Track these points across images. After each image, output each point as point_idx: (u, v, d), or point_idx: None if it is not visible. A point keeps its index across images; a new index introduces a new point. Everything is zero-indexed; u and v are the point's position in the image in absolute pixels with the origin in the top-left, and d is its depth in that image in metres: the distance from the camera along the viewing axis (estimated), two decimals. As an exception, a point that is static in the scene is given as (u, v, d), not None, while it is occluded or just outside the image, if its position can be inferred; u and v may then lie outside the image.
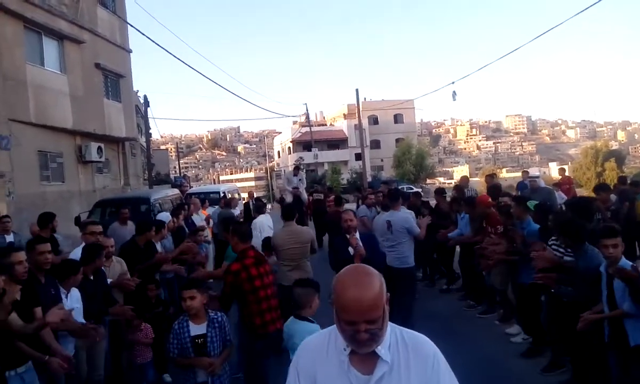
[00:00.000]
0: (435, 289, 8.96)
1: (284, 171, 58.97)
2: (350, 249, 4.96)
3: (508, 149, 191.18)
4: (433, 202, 10.00)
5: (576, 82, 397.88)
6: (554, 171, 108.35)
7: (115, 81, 18.68)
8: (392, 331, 1.70)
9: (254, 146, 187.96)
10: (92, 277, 4.61)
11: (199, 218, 9.48)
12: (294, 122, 60.75)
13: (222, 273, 5.05)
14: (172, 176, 40.69)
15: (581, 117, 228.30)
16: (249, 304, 4.19)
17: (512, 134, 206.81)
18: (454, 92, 20.26)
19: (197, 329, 3.73)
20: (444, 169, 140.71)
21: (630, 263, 3.85)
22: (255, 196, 15.38)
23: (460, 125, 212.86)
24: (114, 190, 18.74)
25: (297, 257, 5.68)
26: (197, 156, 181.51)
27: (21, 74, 13.72)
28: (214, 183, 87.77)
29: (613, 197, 8.51)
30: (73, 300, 4.17)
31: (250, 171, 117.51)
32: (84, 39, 16.36)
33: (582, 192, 29.34)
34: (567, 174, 16.90)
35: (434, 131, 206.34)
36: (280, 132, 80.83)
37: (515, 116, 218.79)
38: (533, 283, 5.01)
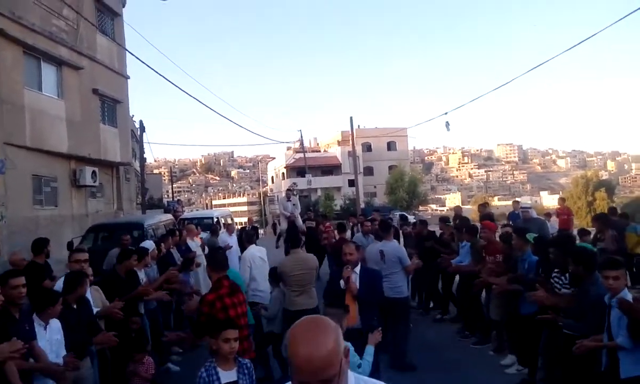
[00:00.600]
0: (429, 317, 8.95)
1: (277, 196, 59.04)
2: (342, 282, 4.82)
3: (499, 177, 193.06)
4: (434, 229, 10.07)
5: (567, 113, 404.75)
6: (545, 199, 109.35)
7: (112, 106, 18.84)
8: None
9: (248, 171, 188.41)
10: (75, 307, 4.44)
11: (194, 244, 9.47)
12: (288, 148, 61.13)
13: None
14: (165, 201, 40.61)
15: (572, 147, 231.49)
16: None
17: (503, 163, 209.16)
18: (447, 123, 20.59)
19: (227, 376, 3.39)
20: (437, 196, 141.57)
21: (631, 295, 3.86)
22: (253, 222, 15.17)
23: (453, 153, 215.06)
24: (106, 214, 18.70)
25: (303, 283, 5.76)
26: (190, 180, 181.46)
27: (19, 99, 13.81)
28: (207, 208, 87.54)
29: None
30: (53, 332, 3.97)
31: (244, 195, 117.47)
32: (83, 65, 16.55)
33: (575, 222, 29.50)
34: (565, 204, 16.68)
35: (426, 158, 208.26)
36: (274, 158, 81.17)
37: (506, 145, 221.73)
38: (534, 314, 5.00)
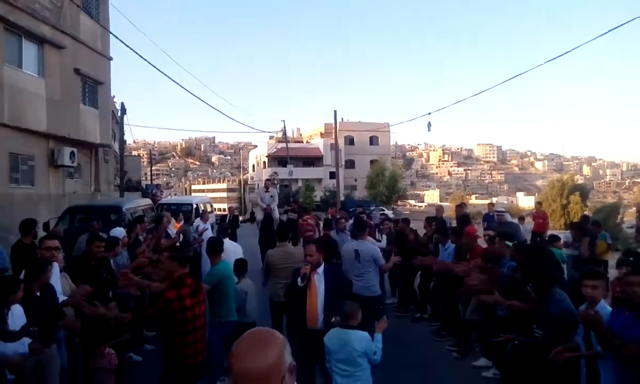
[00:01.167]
0: (408, 317, 8.88)
1: (258, 185, 58.97)
2: (299, 280, 4.59)
3: (478, 176, 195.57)
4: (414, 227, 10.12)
5: (546, 117, 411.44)
6: (521, 200, 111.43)
7: (93, 87, 18.60)
8: None
9: (229, 157, 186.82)
10: (38, 294, 4.39)
11: (172, 232, 9.55)
12: (271, 137, 60.97)
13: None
14: (143, 184, 40.21)
15: (549, 151, 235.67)
16: (174, 335, 4.05)
17: (482, 162, 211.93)
18: (429, 124, 20.92)
19: None
20: (416, 192, 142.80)
21: (610, 308, 3.91)
22: (234, 212, 15.02)
23: (433, 150, 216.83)
24: (83, 196, 18.54)
25: (289, 276, 5.96)
26: (170, 163, 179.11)
27: (-3, 75, 13.60)
28: (186, 192, 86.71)
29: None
30: (15, 318, 3.97)
31: (224, 182, 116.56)
32: (65, 44, 16.30)
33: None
34: (542, 208, 16.76)
35: (407, 154, 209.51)
36: (256, 146, 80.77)
37: (486, 144, 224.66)
38: (510, 317, 5.10)
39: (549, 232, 13.13)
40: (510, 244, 6.05)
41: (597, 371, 3.89)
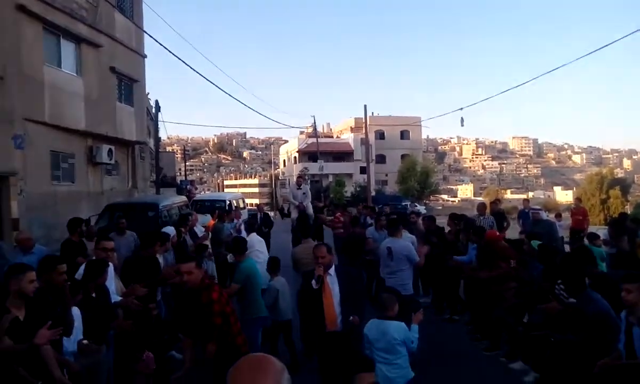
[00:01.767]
0: (441, 317, 8.64)
1: (289, 180, 59.23)
2: (313, 282, 4.58)
3: (513, 170, 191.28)
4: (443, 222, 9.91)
5: (583, 108, 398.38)
6: (558, 195, 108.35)
7: (129, 85, 18.98)
8: None
9: (260, 152, 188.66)
10: (94, 295, 4.49)
11: (199, 231, 9.60)
12: (301, 133, 61.20)
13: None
14: (178, 179, 40.96)
15: (588, 143, 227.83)
16: (230, 325, 4.19)
17: (517, 156, 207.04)
18: (462, 119, 20.51)
19: None
20: (449, 186, 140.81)
21: None
22: (264, 210, 15.01)
23: (467, 144, 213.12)
24: (121, 192, 18.97)
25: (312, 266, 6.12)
26: (203, 159, 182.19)
27: (38, 75, 13.98)
28: (218, 188, 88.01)
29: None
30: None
31: (255, 177, 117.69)
32: (101, 42, 16.67)
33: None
34: (581, 205, 16.28)
35: (439, 148, 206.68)
36: (286, 141, 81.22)
37: (521, 138, 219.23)
38: (543, 323, 4.96)
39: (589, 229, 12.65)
40: (535, 246, 5.84)
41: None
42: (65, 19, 14.95)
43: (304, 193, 13.20)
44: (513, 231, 11.81)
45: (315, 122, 46.92)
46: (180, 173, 56.65)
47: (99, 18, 16.65)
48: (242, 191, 64.03)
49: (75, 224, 7.07)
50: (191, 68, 13.65)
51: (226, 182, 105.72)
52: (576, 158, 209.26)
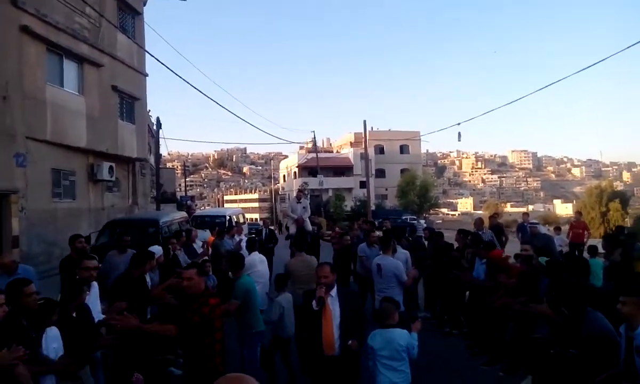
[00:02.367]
0: (441, 330, 8.62)
1: (289, 195, 59.33)
2: (314, 303, 4.38)
3: (513, 183, 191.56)
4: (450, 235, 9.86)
5: (582, 122, 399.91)
6: (558, 208, 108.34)
7: (130, 103, 19.20)
8: None
9: (260, 167, 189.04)
10: (74, 315, 4.41)
11: (198, 247, 9.67)
12: (301, 148, 61.44)
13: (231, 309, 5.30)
14: (178, 195, 41.07)
15: (587, 156, 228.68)
16: (214, 343, 4.06)
17: (517, 169, 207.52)
18: (459, 134, 20.66)
19: None
20: (448, 200, 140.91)
21: None
22: (269, 226, 14.78)
23: (466, 157, 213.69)
24: (122, 208, 19.07)
25: (309, 281, 6.17)
26: (203, 174, 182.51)
27: (41, 94, 14.19)
28: (218, 203, 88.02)
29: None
30: (50, 339, 4.00)
31: (255, 192, 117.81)
32: (103, 62, 16.92)
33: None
34: (581, 218, 16.27)
35: (439, 162, 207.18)
36: (286, 156, 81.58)
37: (521, 151, 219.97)
38: (547, 337, 4.94)
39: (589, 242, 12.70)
40: (542, 262, 5.85)
41: None
42: (68, 39, 15.20)
43: (303, 207, 13.15)
44: (512, 245, 11.85)
45: (315, 138, 47.17)
46: (180, 189, 56.80)
47: (101, 38, 16.92)
48: (242, 206, 64.10)
49: (74, 241, 7.07)
50: (191, 85, 13.84)
51: (226, 198, 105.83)
52: (575, 171, 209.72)
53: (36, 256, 13.36)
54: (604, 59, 12.35)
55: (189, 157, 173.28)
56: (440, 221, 55.06)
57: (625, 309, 3.72)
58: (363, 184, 42.98)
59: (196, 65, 18.15)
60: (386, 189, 60.25)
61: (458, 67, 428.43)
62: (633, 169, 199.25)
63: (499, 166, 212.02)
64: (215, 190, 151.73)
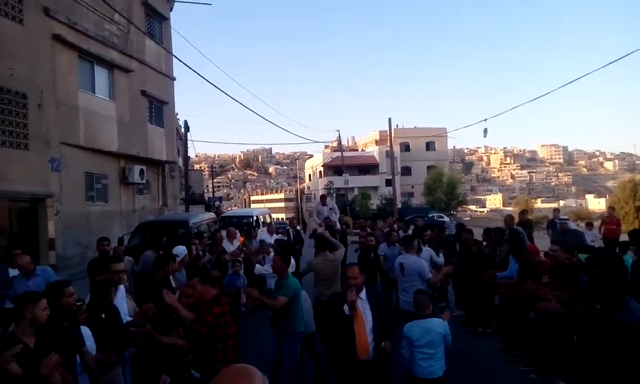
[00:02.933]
0: (473, 332, 8.37)
1: (314, 194, 59.47)
2: (346, 308, 4.26)
3: (543, 179, 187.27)
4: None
5: (614, 114, 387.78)
6: (591, 203, 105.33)
7: (159, 107, 19.61)
8: None
9: (285, 167, 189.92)
10: (103, 315, 4.47)
11: (232, 247, 9.74)
12: (326, 147, 61.54)
13: (275, 305, 5.32)
14: (206, 196, 41.65)
15: (620, 149, 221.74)
16: (216, 352, 3.94)
17: (547, 164, 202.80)
18: (485, 130, 20.29)
19: None
20: (477, 197, 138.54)
21: None
22: (296, 227, 14.69)
23: (494, 153, 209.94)
24: (152, 210, 19.49)
25: (331, 278, 6.68)
26: (230, 175, 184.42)
27: (73, 100, 14.64)
28: (245, 204, 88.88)
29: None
30: (84, 338, 4.08)
31: (281, 192, 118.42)
32: (132, 67, 17.33)
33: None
34: (615, 213, 15.84)
35: (466, 158, 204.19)
36: (311, 155, 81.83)
37: (551, 145, 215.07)
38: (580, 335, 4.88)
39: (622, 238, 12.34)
40: (582, 259, 5.73)
41: None
42: (99, 46, 15.63)
43: (330, 208, 13.02)
44: (544, 242, 11.62)
45: (340, 136, 47.19)
46: (207, 190, 57.62)
47: (130, 44, 17.33)
48: (269, 206, 64.56)
49: (99, 244, 7.30)
50: (217, 87, 14.03)
51: (253, 198, 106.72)
52: (608, 165, 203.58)
53: (71, 257, 13.81)
54: (636, 50, 11.97)
55: (216, 158, 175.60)
56: (469, 218, 54.22)
57: None
58: (389, 182, 42.74)
59: (221, 66, 18.43)
60: (412, 187, 59.78)
61: (485, 62, 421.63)
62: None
63: (529, 161, 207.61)
64: (242, 191, 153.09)
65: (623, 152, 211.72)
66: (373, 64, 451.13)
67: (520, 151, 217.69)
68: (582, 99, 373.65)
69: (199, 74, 12.98)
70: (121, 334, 4.51)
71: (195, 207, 26.57)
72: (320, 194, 14.46)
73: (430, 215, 36.14)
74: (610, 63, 13.50)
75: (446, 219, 36.22)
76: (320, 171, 62.25)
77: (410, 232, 10.31)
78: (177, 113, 27.98)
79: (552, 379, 6.11)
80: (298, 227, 15.60)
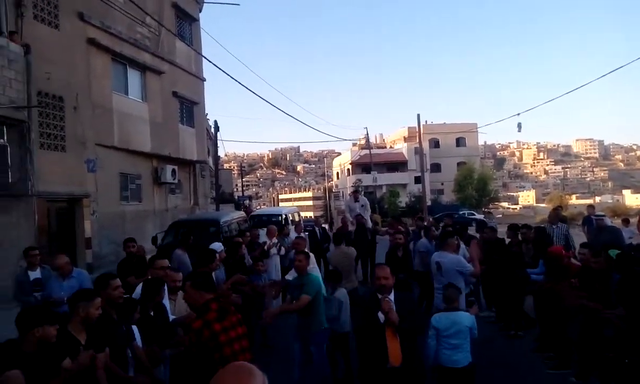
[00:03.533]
0: (505, 332, 8.16)
1: (342, 192, 59.39)
2: (380, 315, 4.03)
3: (578, 174, 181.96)
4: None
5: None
6: (628, 198, 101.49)
7: (189, 108, 19.93)
8: None
9: (313, 165, 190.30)
10: (152, 313, 4.49)
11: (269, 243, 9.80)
12: (354, 144, 61.41)
13: (297, 307, 5.31)
14: (235, 195, 42.18)
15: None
16: (214, 364, 3.60)
17: (582, 159, 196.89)
18: (519, 124, 19.82)
19: None
20: (509, 193, 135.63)
21: None
22: (322, 224, 14.62)
23: (527, 148, 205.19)
24: (184, 209, 19.83)
25: (348, 270, 7.13)
26: (258, 174, 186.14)
27: (107, 103, 15.01)
28: (273, 202, 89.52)
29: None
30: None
31: (309, 190, 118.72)
32: (164, 69, 17.66)
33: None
34: None
35: (498, 153, 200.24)
36: (339, 153, 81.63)
37: (586, 140, 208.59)
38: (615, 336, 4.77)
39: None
40: (613, 255, 5.52)
41: None
42: (131, 49, 15.98)
43: (362, 205, 12.91)
44: (577, 240, 11.27)
45: (367, 134, 46.97)
46: (237, 189, 58.30)
47: (161, 46, 17.66)
48: (297, 204, 64.89)
49: (125, 245, 7.45)
50: (245, 87, 14.22)
51: (281, 196, 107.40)
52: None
53: (106, 256, 14.17)
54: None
55: (245, 157, 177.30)
56: (501, 215, 53.22)
57: None
58: (418, 180, 42.29)
59: (249, 65, 18.56)
60: (442, 184, 59.09)
61: (516, 55, 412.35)
62: None
63: (563, 156, 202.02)
64: (270, 189, 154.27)
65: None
66: (402, 60, 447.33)
67: (554, 145, 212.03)
68: (619, 92, 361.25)
69: (228, 74, 13.12)
70: (168, 333, 4.53)
71: (226, 206, 26.94)
72: (352, 191, 14.39)
73: (461, 212, 35.65)
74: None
75: (477, 216, 35.64)
76: (348, 169, 62.16)
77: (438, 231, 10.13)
78: (207, 113, 28.40)
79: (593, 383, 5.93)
80: (324, 225, 15.54)
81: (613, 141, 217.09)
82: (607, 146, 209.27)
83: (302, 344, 5.57)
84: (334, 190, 69.26)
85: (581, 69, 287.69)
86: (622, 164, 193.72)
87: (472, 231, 10.98)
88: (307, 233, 12.61)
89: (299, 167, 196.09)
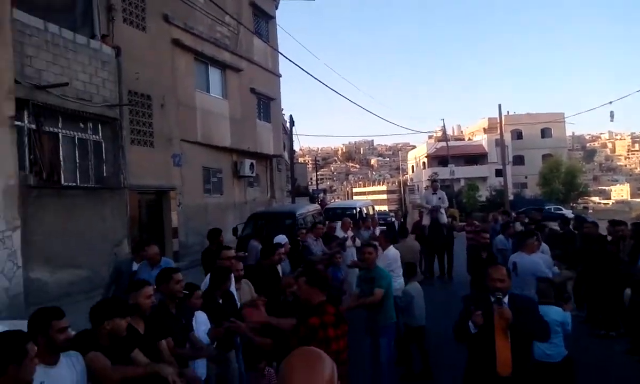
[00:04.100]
0: (597, 333, 7.68)
1: (417, 186, 58.29)
2: (471, 325, 3.65)
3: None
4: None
5: None
6: None
7: (266, 104, 20.46)
8: None
9: (387, 159, 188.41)
10: (220, 301, 4.60)
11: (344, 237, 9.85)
12: (430, 137, 60.12)
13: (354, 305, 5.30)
14: (310, 189, 42.78)
15: None
16: None
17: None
18: (612, 113, 18.36)
19: None
20: (600, 187, 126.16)
21: None
22: (401, 218, 14.48)
23: (621, 139, 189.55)
24: (262, 202, 20.43)
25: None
26: (332, 167, 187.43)
27: (191, 101, 15.76)
28: (347, 196, 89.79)
29: None
30: (199, 324, 4.26)
31: (383, 184, 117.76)
32: (242, 67, 18.24)
33: None
34: None
35: (588, 145, 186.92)
36: (414, 146, 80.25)
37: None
38: None
39: None
40: None
41: None
42: (212, 48, 16.65)
43: (439, 198, 12.62)
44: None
45: (444, 126, 45.74)
46: (311, 182, 59.10)
47: (239, 44, 18.25)
48: (371, 197, 64.57)
49: (214, 235, 7.60)
50: (321, 82, 14.36)
51: (355, 190, 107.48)
52: None
53: (191, 245, 14.92)
54: None
55: (319, 151, 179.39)
56: (591, 211, 49.64)
57: None
58: (499, 173, 40.46)
59: (324, 59, 18.69)
60: (526, 177, 56.16)
61: (608, 39, 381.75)
62: None
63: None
64: (344, 183, 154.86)
65: None
66: (481, 48, 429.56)
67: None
68: None
69: (303, 69, 13.37)
70: (237, 318, 4.60)
71: (301, 199, 27.40)
72: (430, 182, 14.03)
73: (547, 207, 33.67)
74: None
75: (564, 211, 33.54)
76: (423, 162, 60.88)
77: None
78: (283, 108, 28.99)
79: None
80: (402, 219, 15.36)
81: None
82: None
83: (373, 338, 5.58)
84: (408, 184, 68.15)
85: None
86: None
87: (557, 227, 10.32)
88: (384, 227, 12.53)
89: (373, 161, 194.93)
